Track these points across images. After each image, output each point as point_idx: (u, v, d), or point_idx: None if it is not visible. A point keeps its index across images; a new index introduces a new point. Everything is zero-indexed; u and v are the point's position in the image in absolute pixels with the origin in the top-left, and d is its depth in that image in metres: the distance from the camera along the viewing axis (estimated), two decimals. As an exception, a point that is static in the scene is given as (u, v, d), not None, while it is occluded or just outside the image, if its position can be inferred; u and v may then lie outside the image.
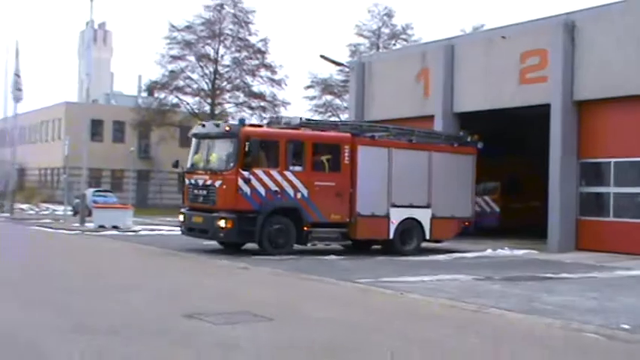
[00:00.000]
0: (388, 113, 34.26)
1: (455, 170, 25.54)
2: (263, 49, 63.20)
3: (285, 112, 62.26)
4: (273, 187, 22.29)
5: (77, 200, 41.02)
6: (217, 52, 62.42)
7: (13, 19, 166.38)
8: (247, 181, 21.83)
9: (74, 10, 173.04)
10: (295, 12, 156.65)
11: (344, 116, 61.33)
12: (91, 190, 47.04)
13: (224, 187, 21.86)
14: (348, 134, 23.76)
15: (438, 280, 17.62)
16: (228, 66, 63.19)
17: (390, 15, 64.61)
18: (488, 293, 15.53)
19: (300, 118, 23.75)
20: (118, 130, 71.61)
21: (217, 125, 22.81)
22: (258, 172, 22.10)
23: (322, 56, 48.83)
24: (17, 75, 55.34)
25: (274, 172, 22.38)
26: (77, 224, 32.59)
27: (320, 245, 23.97)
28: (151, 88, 64.96)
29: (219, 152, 22.59)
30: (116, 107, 73.42)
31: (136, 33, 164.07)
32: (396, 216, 24.20)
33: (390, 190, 24.15)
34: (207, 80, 62.67)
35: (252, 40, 63.06)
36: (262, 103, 63.81)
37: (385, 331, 11.17)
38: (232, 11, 62.51)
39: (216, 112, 62.32)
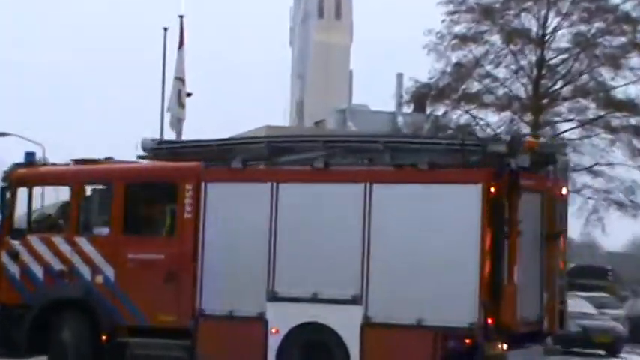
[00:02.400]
0: None
1: (431, 221, 14.56)
2: (634, 14, 36.72)
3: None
4: (58, 266, 16.60)
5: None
6: (544, 26, 37.48)
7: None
8: (15, 257, 16.90)
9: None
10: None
11: None
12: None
13: None
14: (195, 164, 16.03)
15: None
16: (566, 50, 37.69)
17: None
18: None
19: (152, 141, 17.46)
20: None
21: None
22: (34, 239, 16.78)
23: None
24: (180, 79, 33.78)
25: (58, 240, 16.69)
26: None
27: None
28: (420, 97, 40.82)
29: None
30: (356, 134, 51.57)
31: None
32: (282, 319, 15.06)
33: (270, 266, 15.15)
34: (523, 80, 37.60)
35: (614, -2, 35.92)
36: (633, 121, 37.11)
37: None
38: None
39: (541, 137, 38.15)
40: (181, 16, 32.15)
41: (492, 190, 14.29)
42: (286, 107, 56.30)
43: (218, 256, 15.80)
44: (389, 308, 14.69)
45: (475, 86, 38.53)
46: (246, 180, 15.80)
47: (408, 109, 44.73)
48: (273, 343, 15.29)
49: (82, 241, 16.73)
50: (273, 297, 15.41)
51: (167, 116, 33.21)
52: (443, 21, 37.80)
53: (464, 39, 37.77)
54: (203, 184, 15.90)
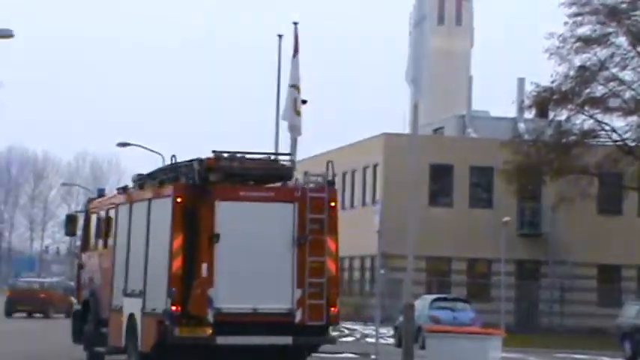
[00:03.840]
0: None
1: (157, 228, 18.88)
2: None
3: None
4: (89, 274, 22.34)
5: (402, 318, 28.80)
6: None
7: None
8: (81, 267, 22.91)
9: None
10: None
11: None
12: (429, 297, 36.58)
13: None
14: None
15: None
16: None
17: None
18: None
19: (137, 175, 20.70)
20: (480, 183, 47.38)
21: None
22: (85, 254, 22.83)
23: None
24: (295, 87, 33.89)
25: (88, 254, 22.65)
26: (398, 363, 24.06)
27: None
28: (541, 102, 40.31)
29: None
30: (477, 141, 49.00)
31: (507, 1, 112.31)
32: (126, 310, 19.70)
33: (126, 269, 20.03)
34: (653, 82, 35.79)
35: None
36: None
37: None
38: None
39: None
40: (295, 23, 31.79)
41: (179, 201, 17.80)
42: (405, 113, 55.73)
43: (117, 263, 20.53)
44: (150, 299, 18.63)
45: (600, 90, 37.65)
46: (126, 202, 20.37)
47: (529, 114, 43.92)
48: (124, 327, 19.66)
49: (94, 255, 22.38)
50: (125, 294, 19.96)
51: (283, 125, 33.77)
52: (566, 23, 37.05)
53: (588, 41, 37.04)
54: (115, 207, 20.92)
